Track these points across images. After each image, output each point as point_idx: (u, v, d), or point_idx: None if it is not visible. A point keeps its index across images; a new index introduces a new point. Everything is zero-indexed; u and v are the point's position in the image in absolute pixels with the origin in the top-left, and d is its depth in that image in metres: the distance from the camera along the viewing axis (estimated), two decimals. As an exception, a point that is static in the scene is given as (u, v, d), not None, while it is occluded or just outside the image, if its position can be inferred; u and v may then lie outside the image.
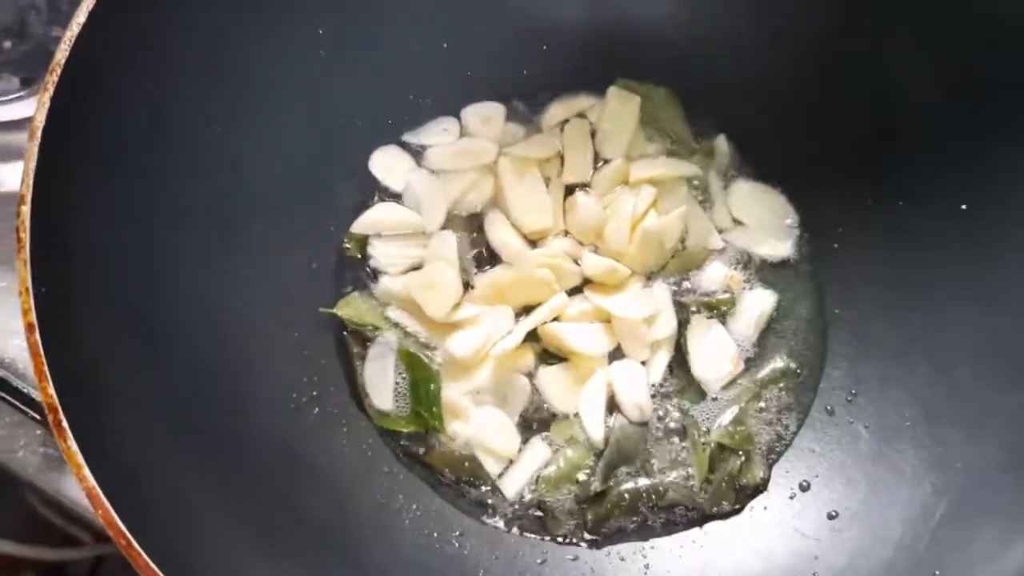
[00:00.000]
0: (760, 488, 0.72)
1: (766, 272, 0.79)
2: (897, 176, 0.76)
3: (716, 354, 0.76)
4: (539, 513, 0.71)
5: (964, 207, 0.72)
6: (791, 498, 0.71)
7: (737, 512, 0.72)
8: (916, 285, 0.74)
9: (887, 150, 0.76)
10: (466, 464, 0.72)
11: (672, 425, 0.74)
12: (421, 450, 0.72)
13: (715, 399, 0.75)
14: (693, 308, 0.77)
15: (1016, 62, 0.68)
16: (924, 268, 0.74)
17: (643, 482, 0.71)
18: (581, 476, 0.71)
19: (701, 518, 0.71)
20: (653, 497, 0.71)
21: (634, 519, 0.71)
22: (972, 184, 0.72)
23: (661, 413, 0.74)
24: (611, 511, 0.71)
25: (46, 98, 0.57)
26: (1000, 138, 0.70)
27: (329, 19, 0.77)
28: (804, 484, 0.71)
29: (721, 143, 0.83)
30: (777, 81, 0.80)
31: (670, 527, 0.71)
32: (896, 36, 0.74)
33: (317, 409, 0.72)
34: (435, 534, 0.70)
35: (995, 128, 0.70)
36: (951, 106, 0.72)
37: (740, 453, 0.73)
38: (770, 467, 0.73)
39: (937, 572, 0.62)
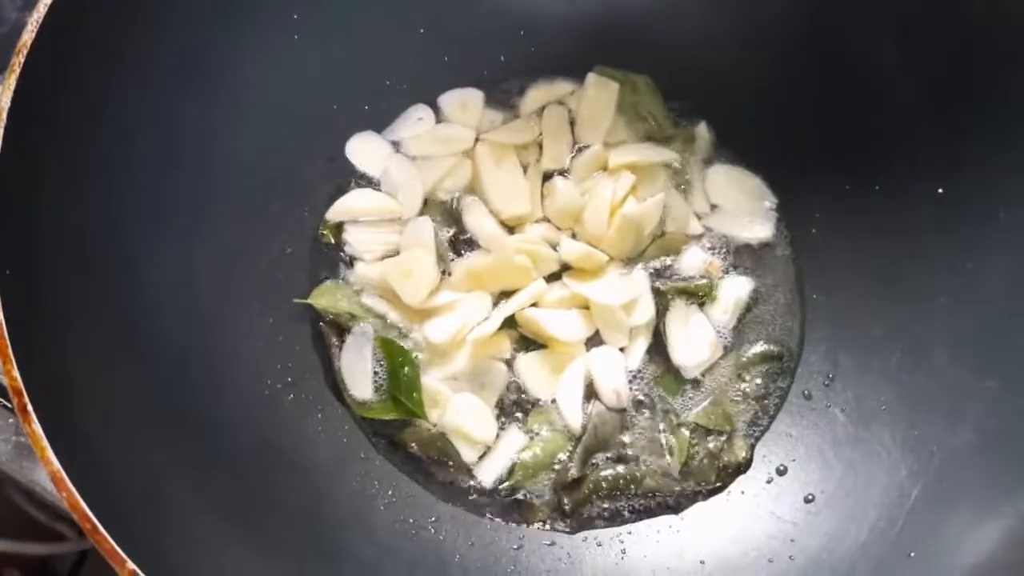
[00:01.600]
0: (743, 467, 0.72)
1: (744, 257, 0.79)
2: (873, 160, 0.76)
3: (695, 340, 0.75)
4: (516, 499, 0.71)
5: (940, 191, 0.72)
6: (768, 482, 0.71)
7: (719, 491, 0.72)
8: (893, 270, 0.74)
9: (864, 134, 0.76)
10: (440, 446, 0.71)
11: (649, 411, 0.73)
12: (396, 435, 0.72)
13: (694, 384, 0.74)
14: (671, 294, 0.77)
15: (991, 47, 0.68)
16: (901, 253, 0.74)
17: (620, 469, 0.71)
18: (558, 463, 0.71)
19: (677, 503, 0.71)
20: (631, 484, 0.71)
21: (611, 506, 0.71)
22: (948, 168, 0.72)
23: (639, 398, 0.74)
24: (588, 497, 0.70)
25: (12, 80, 0.57)
26: (976, 123, 0.70)
27: (304, 4, 0.77)
28: (781, 468, 0.71)
29: (702, 130, 0.83)
30: (756, 67, 0.80)
31: (647, 512, 0.71)
32: (873, 22, 0.74)
33: (291, 396, 0.71)
34: (411, 520, 0.69)
35: (971, 114, 0.70)
36: (928, 91, 0.72)
37: (721, 433, 0.73)
38: (752, 447, 0.73)
39: (912, 553, 0.62)
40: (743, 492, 0.71)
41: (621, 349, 0.75)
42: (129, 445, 0.59)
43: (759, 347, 0.76)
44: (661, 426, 0.73)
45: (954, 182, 0.71)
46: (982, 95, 0.69)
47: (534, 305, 0.74)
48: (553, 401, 0.73)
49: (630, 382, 0.74)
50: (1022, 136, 0.67)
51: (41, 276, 0.57)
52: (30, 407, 0.51)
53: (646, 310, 0.76)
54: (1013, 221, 0.68)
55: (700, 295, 0.77)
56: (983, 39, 0.68)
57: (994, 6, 0.67)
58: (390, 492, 0.70)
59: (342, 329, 0.74)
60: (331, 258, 0.77)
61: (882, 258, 0.75)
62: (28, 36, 0.58)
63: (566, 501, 0.70)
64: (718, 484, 0.72)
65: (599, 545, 0.70)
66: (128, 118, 0.67)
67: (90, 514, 0.50)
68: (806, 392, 0.74)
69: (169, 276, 0.69)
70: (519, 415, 0.73)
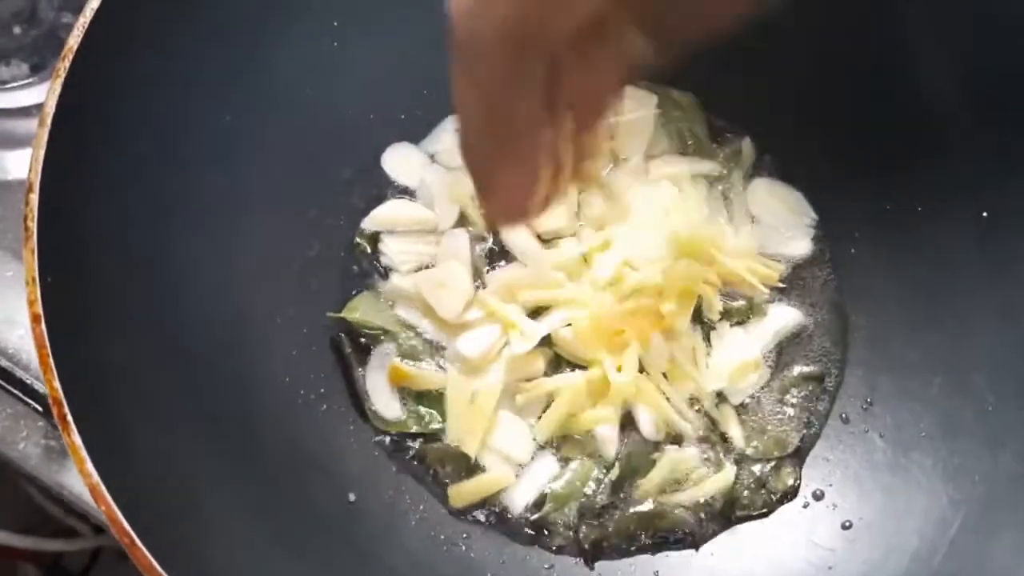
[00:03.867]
0: (790, 494, 0.70)
1: (785, 277, 0.77)
2: (915, 180, 0.74)
3: (740, 362, 0.73)
4: (543, 524, 0.69)
5: (985, 215, 0.71)
6: (804, 507, 0.70)
7: (765, 515, 0.71)
8: (934, 293, 0.73)
9: (906, 153, 0.75)
10: (468, 466, 0.70)
11: (692, 440, 0.71)
12: (424, 452, 0.71)
13: (739, 409, 0.73)
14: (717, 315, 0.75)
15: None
16: (942, 276, 0.73)
17: (651, 504, 0.70)
18: (588, 490, 0.70)
19: (714, 530, 0.69)
20: (662, 519, 0.69)
21: (642, 532, 0.69)
22: (993, 191, 0.71)
23: (681, 427, 0.71)
24: (619, 528, 0.69)
25: (57, 84, 0.56)
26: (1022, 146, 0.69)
27: (345, 10, 0.77)
28: (818, 493, 0.70)
29: (746, 145, 0.82)
30: (798, 81, 0.79)
31: (680, 541, 0.69)
32: (919, 40, 0.73)
33: (325, 406, 0.70)
34: (442, 536, 0.69)
35: (1018, 137, 0.70)
36: (974, 111, 0.71)
37: (769, 460, 0.72)
38: (799, 473, 0.71)
39: (955, 584, 0.62)
40: (779, 518, 0.70)
41: (663, 375, 0.73)
42: (166, 454, 0.58)
43: (799, 368, 0.75)
44: (705, 457, 0.71)
45: (998, 206, 0.70)
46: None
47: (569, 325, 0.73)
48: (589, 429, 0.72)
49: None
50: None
51: (83, 284, 0.56)
52: (70, 417, 0.51)
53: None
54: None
55: (748, 316, 0.76)
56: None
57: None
58: (422, 507, 0.69)
59: (367, 347, 0.73)
60: (365, 269, 0.76)
61: (922, 281, 0.74)
62: (74, 40, 0.57)
63: (593, 530, 0.69)
64: (764, 511, 0.70)
65: (632, 568, 0.69)
66: (169, 123, 0.66)
67: (129, 528, 0.49)
68: (844, 415, 0.73)
69: (207, 281, 0.68)
70: (554, 441, 0.72)
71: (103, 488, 0.49)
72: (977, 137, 0.71)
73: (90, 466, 0.50)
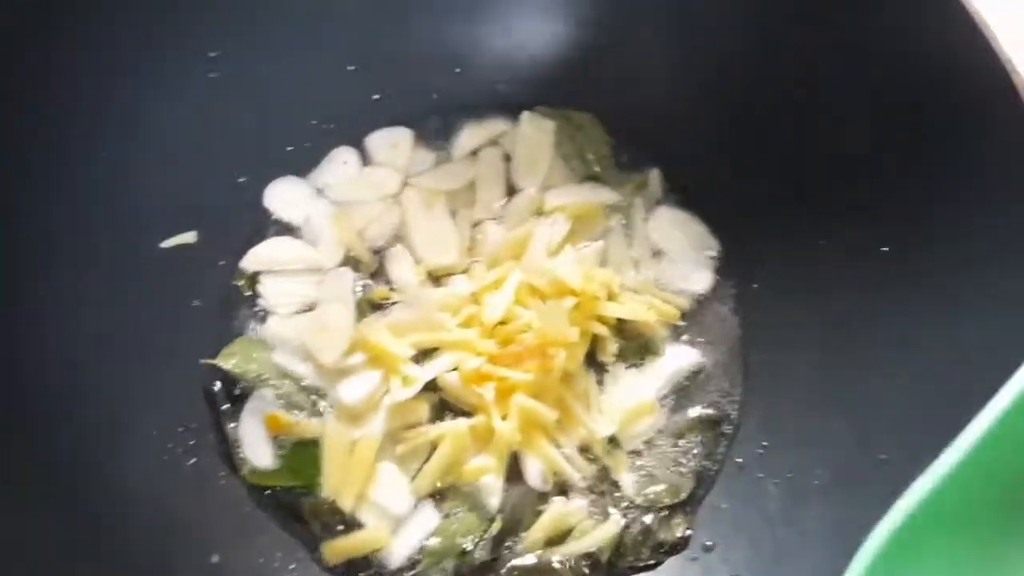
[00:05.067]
0: (679, 546, 0.67)
1: (686, 314, 0.74)
2: (818, 215, 0.72)
3: (634, 406, 0.70)
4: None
5: (885, 249, 0.68)
6: (693, 560, 0.67)
7: (652, 567, 0.68)
8: (835, 334, 0.70)
9: (811, 189, 0.72)
10: (343, 520, 0.67)
11: (580, 490, 0.68)
12: (298, 507, 0.67)
13: (631, 456, 0.70)
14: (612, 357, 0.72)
15: (945, 113, 0.64)
16: (843, 316, 0.70)
17: (530, 561, 0.66)
18: (467, 546, 0.66)
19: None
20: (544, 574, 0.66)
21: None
22: (893, 227, 0.68)
23: (569, 476, 0.68)
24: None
25: None
26: (925, 184, 0.66)
27: (222, 41, 0.73)
28: (708, 545, 0.67)
29: (655, 177, 0.79)
30: (706, 110, 0.77)
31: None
32: (828, 74, 0.70)
33: (193, 460, 0.67)
34: (315, 594, 0.66)
35: (919, 174, 0.66)
36: (875, 150, 0.68)
37: (661, 509, 0.69)
38: (690, 524, 0.68)
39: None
40: (667, 570, 0.67)
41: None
42: (18, 526, 0.56)
43: (696, 411, 0.72)
44: (593, 507, 0.68)
45: (898, 242, 0.67)
46: (931, 156, 0.65)
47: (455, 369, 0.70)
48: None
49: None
50: (972, 201, 0.63)
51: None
52: None
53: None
54: (958, 290, 0.64)
55: (643, 358, 0.73)
56: (938, 103, 0.64)
57: (947, 80, 0.63)
58: (293, 567, 0.66)
59: (240, 394, 0.70)
60: (243, 312, 0.73)
61: (824, 320, 0.71)
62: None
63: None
64: (652, 562, 0.68)
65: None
66: (31, 161, 0.64)
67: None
68: (740, 460, 0.70)
69: (70, 333, 0.65)
70: (436, 492, 0.68)
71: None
72: (879, 173, 0.68)
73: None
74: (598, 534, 0.67)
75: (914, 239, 0.67)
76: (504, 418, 0.68)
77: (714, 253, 0.76)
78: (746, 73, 0.74)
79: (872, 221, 0.69)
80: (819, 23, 0.69)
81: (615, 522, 0.67)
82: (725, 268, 0.76)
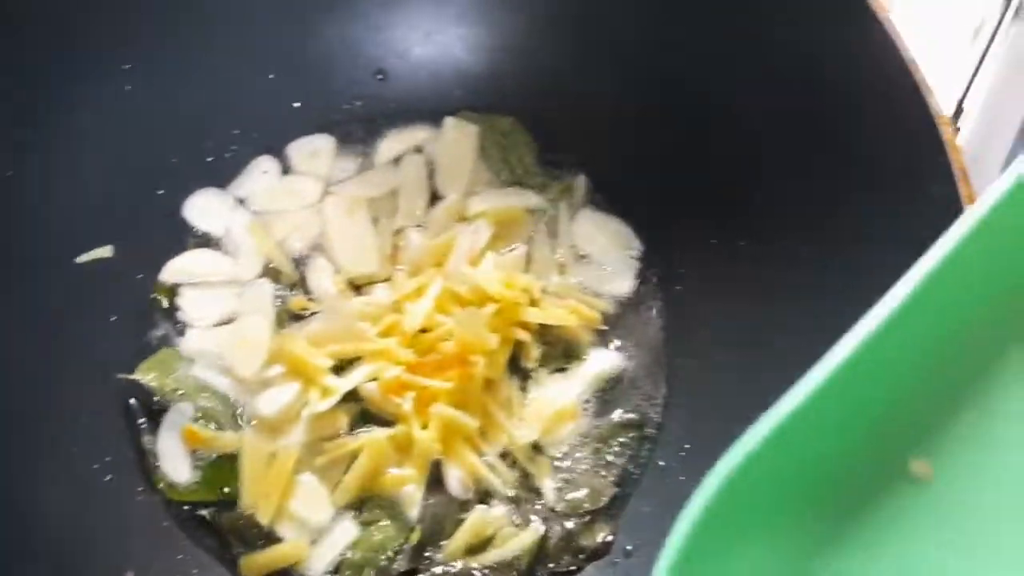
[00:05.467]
0: (600, 551, 0.67)
1: (609, 317, 0.74)
2: (739, 215, 0.72)
3: (556, 411, 0.70)
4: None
5: (804, 249, 0.68)
6: (614, 564, 0.66)
7: (573, 573, 0.67)
8: (756, 333, 0.70)
9: (731, 190, 0.72)
10: (261, 534, 0.66)
11: (501, 497, 0.68)
12: (216, 521, 0.66)
13: (554, 461, 0.70)
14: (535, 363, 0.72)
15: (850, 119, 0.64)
16: (764, 314, 0.70)
17: (451, 570, 0.66)
18: (386, 557, 0.66)
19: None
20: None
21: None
22: (813, 229, 0.68)
23: (492, 483, 0.68)
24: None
25: None
26: (839, 184, 0.66)
27: (137, 54, 0.73)
28: (628, 550, 0.67)
29: (580, 181, 0.79)
30: (626, 116, 0.77)
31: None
32: (739, 80, 0.71)
33: (110, 476, 0.66)
34: (233, 610, 0.66)
35: (834, 175, 0.66)
36: (793, 152, 0.68)
37: (583, 514, 0.69)
38: (614, 529, 0.68)
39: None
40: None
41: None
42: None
43: (619, 415, 0.72)
44: (514, 515, 0.68)
45: (818, 242, 0.68)
46: (843, 157, 0.65)
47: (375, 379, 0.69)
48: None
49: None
50: (884, 203, 0.64)
51: None
52: None
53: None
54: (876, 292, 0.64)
55: (565, 364, 0.73)
56: (841, 105, 0.64)
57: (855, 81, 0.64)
58: (211, 583, 0.66)
59: (159, 408, 0.69)
60: (162, 325, 0.72)
61: (745, 322, 0.71)
62: None
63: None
64: (571, 568, 0.68)
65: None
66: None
67: None
68: (663, 464, 0.70)
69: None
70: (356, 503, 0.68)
71: None
72: (795, 175, 0.68)
73: None
74: (518, 541, 0.66)
75: (832, 241, 0.67)
76: (424, 427, 0.68)
77: (638, 255, 0.76)
78: (664, 76, 0.74)
79: (791, 222, 0.69)
80: (735, 29, 0.70)
81: (535, 529, 0.67)
82: (649, 271, 0.76)
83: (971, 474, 0.47)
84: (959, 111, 0.90)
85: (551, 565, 0.66)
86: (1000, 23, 0.93)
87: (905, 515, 0.46)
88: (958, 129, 0.88)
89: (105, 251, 0.71)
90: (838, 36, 0.63)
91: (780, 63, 0.68)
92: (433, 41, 0.79)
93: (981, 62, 0.91)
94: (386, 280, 0.74)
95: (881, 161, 0.63)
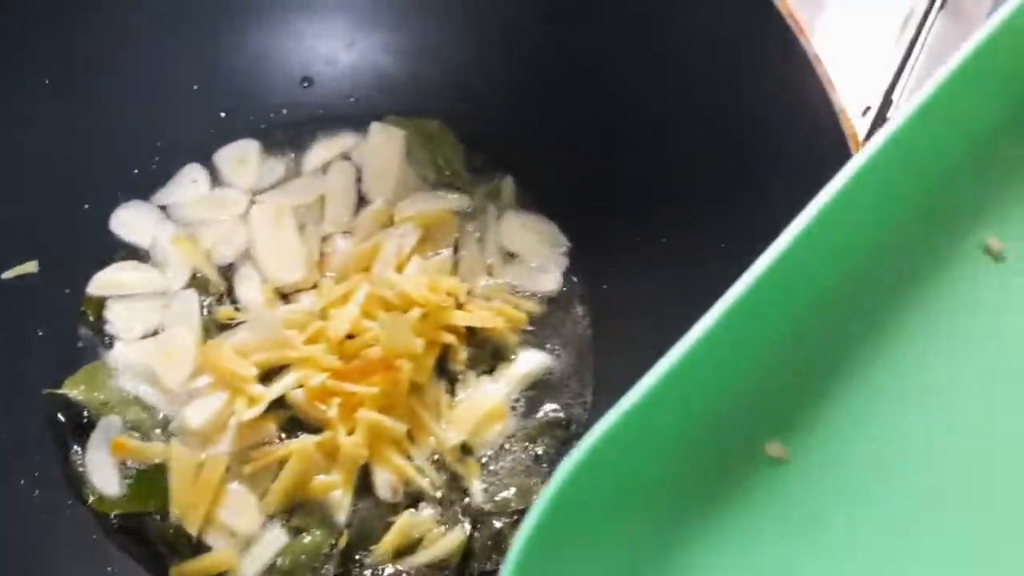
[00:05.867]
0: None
1: (537, 317, 0.75)
2: (663, 215, 0.73)
3: (484, 412, 0.71)
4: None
5: (723, 245, 0.69)
6: (543, 564, 0.68)
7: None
8: (681, 331, 0.71)
9: (656, 191, 0.73)
10: (190, 543, 0.67)
11: (431, 500, 0.69)
12: (146, 532, 0.67)
13: (481, 460, 0.71)
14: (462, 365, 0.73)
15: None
16: (688, 313, 0.70)
17: (380, 572, 0.67)
18: (315, 563, 0.66)
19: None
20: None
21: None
22: (732, 225, 0.69)
23: (420, 486, 0.69)
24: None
25: None
26: (752, 185, 0.67)
27: (58, 68, 0.73)
28: (556, 549, 0.68)
29: (507, 184, 0.79)
30: (550, 116, 0.77)
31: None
32: (649, 82, 0.72)
33: (37, 492, 0.67)
34: (167, 623, 0.66)
35: (749, 175, 0.67)
36: (702, 149, 0.69)
37: (512, 513, 0.69)
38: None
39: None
40: None
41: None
42: None
43: (547, 414, 0.73)
44: (442, 516, 0.68)
45: (736, 238, 0.68)
46: (756, 160, 0.66)
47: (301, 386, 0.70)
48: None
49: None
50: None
51: None
52: None
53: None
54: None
55: (492, 364, 0.73)
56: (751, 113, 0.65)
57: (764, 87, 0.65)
58: (142, 595, 0.67)
59: (86, 423, 0.69)
60: (90, 338, 0.72)
61: (668, 318, 0.71)
62: None
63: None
64: (499, 567, 0.68)
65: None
66: None
67: None
68: (589, 462, 0.71)
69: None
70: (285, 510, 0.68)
71: None
72: (707, 174, 0.69)
73: None
74: (446, 543, 0.67)
75: (747, 236, 0.68)
76: (350, 433, 0.69)
77: (565, 253, 0.77)
78: (583, 76, 0.75)
79: (707, 219, 0.70)
80: (638, 27, 0.71)
81: (462, 530, 0.68)
82: (576, 269, 0.77)
83: (828, 457, 0.47)
84: (887, 102, 0.91)
85: (478, 565, 0.68)
86: (927, 14, 0.94)
87: (759, 497, 0.45)
88: (886, 119, 0.89)
89: (30, 266, 0.71)
90: (744, 36, 0.64)
91: (693, 65, 0.68)
92: (356, 48, 0.79)
93: (908, 53, 0.93)
94: (313, 287, 0.75)
95: (789, 158, 0.64)
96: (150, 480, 0.68)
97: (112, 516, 0.67)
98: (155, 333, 0.72)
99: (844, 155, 0.60)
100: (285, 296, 0.74)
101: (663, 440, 0.44)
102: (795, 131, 0.63)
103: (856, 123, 0.90)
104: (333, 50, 0.80)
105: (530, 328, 0.75)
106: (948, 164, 0.50)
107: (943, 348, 0.49)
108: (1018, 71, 0.51)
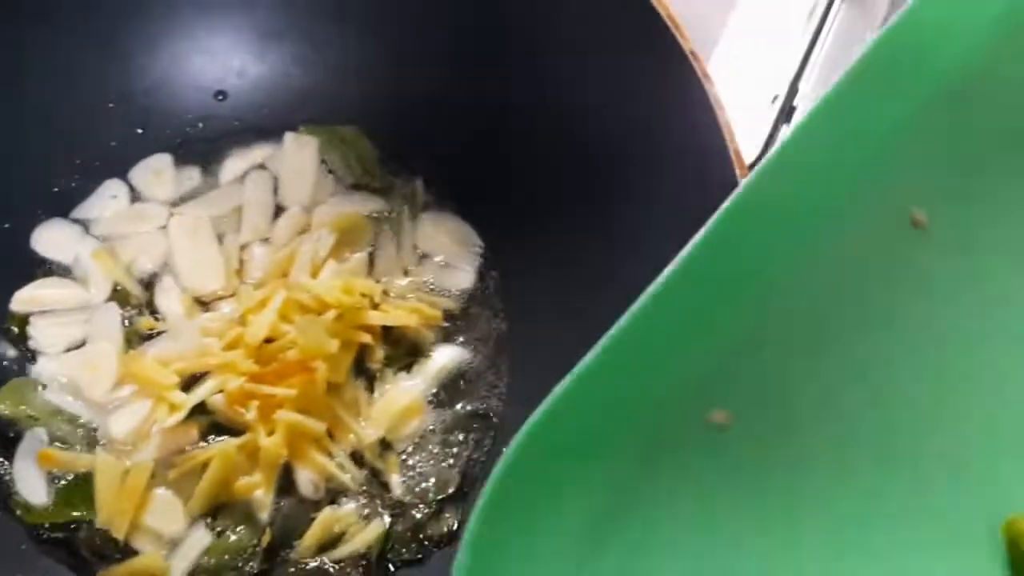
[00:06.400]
0: (445, 540, 0.71)
1: (453, 314, 0.78)
2: (574, 212, 0.75)
3: (401, 407, 0.73)
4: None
5: (631, 243, 0.71)
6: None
7: (419, 562, 0.71)
8: (588, 327, 0.73)
9: (569, 189, 0.76)
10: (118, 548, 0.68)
11: (351, 495, 0.71)
12: (74, 539, 0.68)
13: (400, 454, 0.73)
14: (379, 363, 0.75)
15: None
16: (599, 306, 0.73)
17: (306, 568, 0.69)
18: (240, 560, 0.68)
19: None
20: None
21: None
22: (625, 221, 0.72)
23: (341, 482, 0.71)
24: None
25: None
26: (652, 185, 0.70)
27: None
28: (474, 538, 0.71)
29: (419, 187, 0.82)
30: (461, 119, 0.79)
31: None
32: (549, 85, 0.75)
33: (-35, 505, 0.69)
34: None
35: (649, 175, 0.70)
36: (602, 149, 0.72)
37: (430, 504, 0.72)
38: (461, 517, 0.72)
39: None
40: (436, 563, 0.70)
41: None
42: None
43: (464, 407, 0.75)
44: (363, 510, 0.71)
45: (644, 239, 0.71)
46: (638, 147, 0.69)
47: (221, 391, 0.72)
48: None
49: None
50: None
51: None
52: None
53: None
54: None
55: (407, 361, 0.76)
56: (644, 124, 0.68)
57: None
58: (71, 603, 0.69)
59: (14, 436, 0.71)
60: (14, 354, 0.74)
61: (581, 312, 0.74)
62: None
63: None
64: (419, 556, 0.71)
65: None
66: None
67: None
68: (507, 451, 0.73)
69: None
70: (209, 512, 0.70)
71: None
72: (607, 173, 0.72)
73: None
74: (365, 535, 0.69)
75: (657, 227, 0.70)
76: (270, 434, 0.71)
77: (479, 252, 0.80)
78: (489, 79, 0.77)
79: (610, 217, 0.72)
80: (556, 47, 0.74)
81: (382, 522, 0.70)
82: (490, 266, 0.79)
83: (769, 424, 0.49)
84: (794, 90, 0.94)
85: (396, 555, 0.70)
86: (831, 4, 0.97)
87: (701, 465, 0.48)
88: (795, 108, 0.92)
89: (-49, 287, 0.73)
90: (623, 37, 0.67)
91: (577, 69, 0.72)
92: (266, 60, 0.82)
93: (813, 43, 0.96)
94: (232, 295, 0.77)
95: (676, 155, 0.67)
96: (77, 489, 0.70)
97: (40, 526, 0.69)
98: (79, 346, 0.74)
99: (722, 146, 0.63)
100: (205, 304, 0.77)
101: (610, 410, 0.47)
102: (676, 130, 0.66)
103: (765, 112, 0.94)
104: (244, 63, 0.82)
105: (447, 325, 0.77)
106: (870, 145, 0.53)
107: (879, 318, 0.52)
108: (922, 62, 0.54)
